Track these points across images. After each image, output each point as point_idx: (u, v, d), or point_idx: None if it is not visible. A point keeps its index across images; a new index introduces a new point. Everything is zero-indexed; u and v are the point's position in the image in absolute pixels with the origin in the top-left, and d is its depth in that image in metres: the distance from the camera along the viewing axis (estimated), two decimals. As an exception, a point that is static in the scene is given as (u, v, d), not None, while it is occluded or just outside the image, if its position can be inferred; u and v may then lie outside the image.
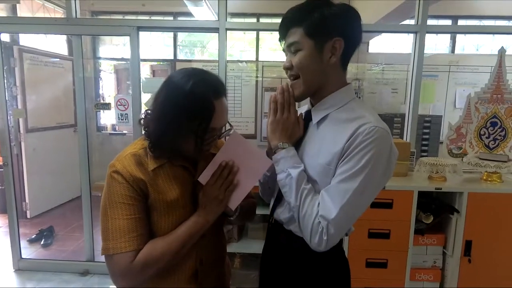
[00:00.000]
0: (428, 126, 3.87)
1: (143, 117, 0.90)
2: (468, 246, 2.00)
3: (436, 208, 2.05)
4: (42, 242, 3.12)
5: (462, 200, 1.96)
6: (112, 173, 0.85)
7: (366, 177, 0.77)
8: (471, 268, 2.01)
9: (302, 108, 1.04)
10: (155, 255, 0.83)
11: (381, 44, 4.68)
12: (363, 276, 2.04)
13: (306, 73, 0.84)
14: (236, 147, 0.90)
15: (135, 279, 0.83)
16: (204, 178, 0.89)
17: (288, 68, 0.87)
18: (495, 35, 4.23)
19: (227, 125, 0.96)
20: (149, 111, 0.90)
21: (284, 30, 0.85)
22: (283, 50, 0.89)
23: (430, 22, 2.31)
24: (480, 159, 2.11)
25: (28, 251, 2.96)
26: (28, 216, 3.69)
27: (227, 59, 2.44)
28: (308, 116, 0.94)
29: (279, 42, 0.90)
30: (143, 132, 0.91)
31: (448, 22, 4.56)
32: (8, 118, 2.59)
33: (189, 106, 0.82)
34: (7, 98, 2.54)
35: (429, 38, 2.33)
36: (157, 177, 0.88)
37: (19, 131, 3.57)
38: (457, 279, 2.04)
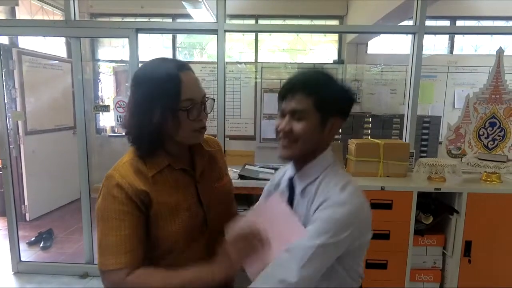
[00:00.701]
0: (427, 126, 3.89)
1: (121, 123, 0.90)
2: (468, 247, 1.99)
3: (436, 208, 2.06)
4: (41, 245, 3.11)
5: (462, 201, 1.96)
6: (110, 186, 0.83)
7: (327, 241, 0.77)
8: (471, 269, 2.01)
9: (286, 172, 1.02)
10: (148, 283, 0.81)
11: (379, 45, 4.70)
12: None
13: (306, 141, 0.86)
14: (274, 208, 0.86)
15: None
16: (230, 234, 0.84)
17: (287, 132, 0.86)
18: (493, 36, 4.25)
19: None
20: (125, 116, 0.90)
21: (290, 93, 0.85)
22: (281, 110, 0.88)
23: (429, 23, 2.32)
24: (479, 159, 2.11)
25: (27, 254, 2.95)
26: (27, 219, 3.68)
27: (226, 60, 2.45)
28: (291, 184, 0.94)
29: (279, 101, 0.88)
30: (128, 138, 0.89)
31: (446, 22, 4.58)
32: (7, 120, 2.59)
33: (155, 86, 0.82)
34: (6, 101, 2.54)
35: (428, 38, 2.34)
36: (158, 183, 0.86)
37: (18, 133, 3.56)
38: (457, 280, 2.03)
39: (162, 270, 0.83)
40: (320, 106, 0.84)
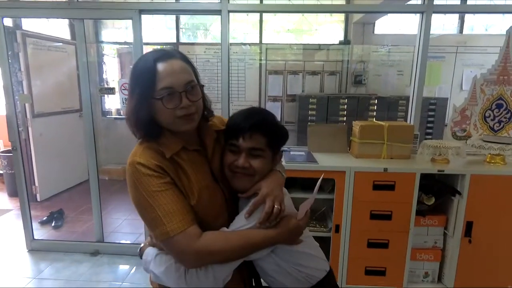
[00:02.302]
0: (433, 108, 3.85)
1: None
2: (469, 227, 2.03)
3: (438, 190, 2.08)
4: (53, 224, 3.22)
5: (465, 182, 1.98)
6: (137, 171, 0.85)
7: None
8: (472, 248, 2.05)
9: None
10: (219, 241, 0.86)
11: (387, 25, 4.58)
12: (365, 256, 2.10)
13: (261, 175, 0.98)
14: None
15: (199, 256, 0.85)
16: (301, 211, 0.97)
17: (246, 168, 0.95)
18: (505, 15, 4.11)
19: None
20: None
21: (249, 132, 0.94)
22: (236, 146, 0.95)
23: (437, 1, 2.26)
24: (484, 141, 2.11)
25: (40, 233, 3.06)
26: (38, 199, 3.79)
27: (230, 42, 2.43)
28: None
29: (236, 138, 0.95)
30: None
31: (456, 1, 4.43)
32: (15, 103, 2.63)
33: (134, 77, 0.88)
34: (13, 84, 2.57)
35: (437, 18, 2.28)
36: (176, 164, 0.90)
37: (26, 116, 3.62)
38: (457, 259, 2.08)
39: (229, 232, 0.90)
40: (273, 146, 0.99)
